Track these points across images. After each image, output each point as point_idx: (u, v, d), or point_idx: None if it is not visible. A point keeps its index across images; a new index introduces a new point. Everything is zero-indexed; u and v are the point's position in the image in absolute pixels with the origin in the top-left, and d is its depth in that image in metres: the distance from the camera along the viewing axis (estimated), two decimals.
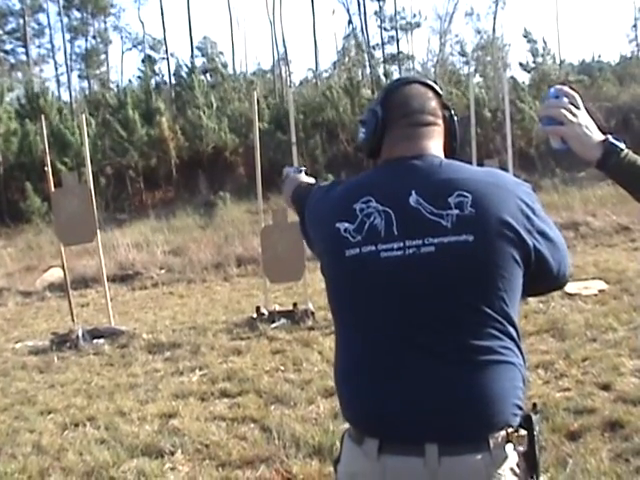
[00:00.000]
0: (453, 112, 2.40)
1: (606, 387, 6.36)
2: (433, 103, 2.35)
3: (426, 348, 2.12)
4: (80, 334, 10.05)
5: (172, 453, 5.88)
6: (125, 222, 24.17)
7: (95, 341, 10.03)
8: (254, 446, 5.86)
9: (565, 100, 2.25)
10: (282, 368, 8.06)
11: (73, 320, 10.72)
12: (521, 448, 2.13)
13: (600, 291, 9.99)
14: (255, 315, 10.33)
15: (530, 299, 8.11)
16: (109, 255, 16.64)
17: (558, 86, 2.31)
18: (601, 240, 15.28)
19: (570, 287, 9.17)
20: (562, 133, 2.24)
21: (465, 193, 2.14)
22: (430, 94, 2.36)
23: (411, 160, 2.26)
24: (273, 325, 9.97)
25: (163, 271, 16.59)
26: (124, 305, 13.75)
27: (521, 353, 2.19)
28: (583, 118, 2.24)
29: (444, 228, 2.12)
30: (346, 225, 2.24)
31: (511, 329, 2.16)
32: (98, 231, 10.75)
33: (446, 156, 2.36)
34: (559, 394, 6.35)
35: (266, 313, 10.33)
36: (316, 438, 5.74)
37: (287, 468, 5.31)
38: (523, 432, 2.14)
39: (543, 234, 2.20)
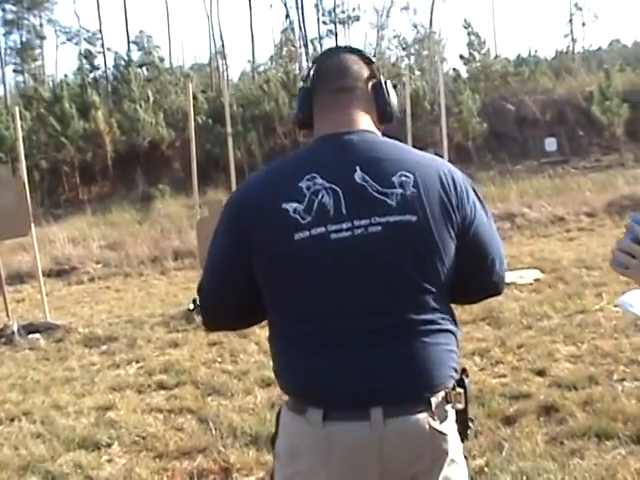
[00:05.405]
0: (383, 78, 2.37)
1: (541, 373, 6.45)
2: (356, 67, 2.34)
3: (371, 324, 2.15)
4: (15, 329, 9.91)
5: (109, 445, 5.82)
6: (61, 217, 23.91)
7: (30, 336, 9.90)
8: (191, 437, 5.84)
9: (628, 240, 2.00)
10: (219, 359, 8.03)
11: (8, 316, 10.56)
12: (459, 405, 2.26)
13: (535, 280, 10.12)
14: (192, 307, 10.27)
15: None
16: (45, 250, 16.47)
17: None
18: (537, 231, 15.50)
19: (506, 276, 9.29)
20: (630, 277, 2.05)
21: (407, 173, 2.18)
22: (356, 59, 2.36)
23: (346, 135, 2.25)
24: None
25: (99, 265, 16.47)
26: (60, 300, 13.60)
27: (454, 320, 2.29)
28: None
29: (390, 207, 2.14)
30: (295, 205, 2.15)
31: (448, 299, 2.28)
32: (33, 225, 10.61)
33: (382, 122, 2.37)
34: (495, 380, 6.42)
35: None
36: (253, 428, 5.73)
37: (224, 458, 5.29)
38: (460, 390, 2.26)
39: (477, 217, 2.29)
